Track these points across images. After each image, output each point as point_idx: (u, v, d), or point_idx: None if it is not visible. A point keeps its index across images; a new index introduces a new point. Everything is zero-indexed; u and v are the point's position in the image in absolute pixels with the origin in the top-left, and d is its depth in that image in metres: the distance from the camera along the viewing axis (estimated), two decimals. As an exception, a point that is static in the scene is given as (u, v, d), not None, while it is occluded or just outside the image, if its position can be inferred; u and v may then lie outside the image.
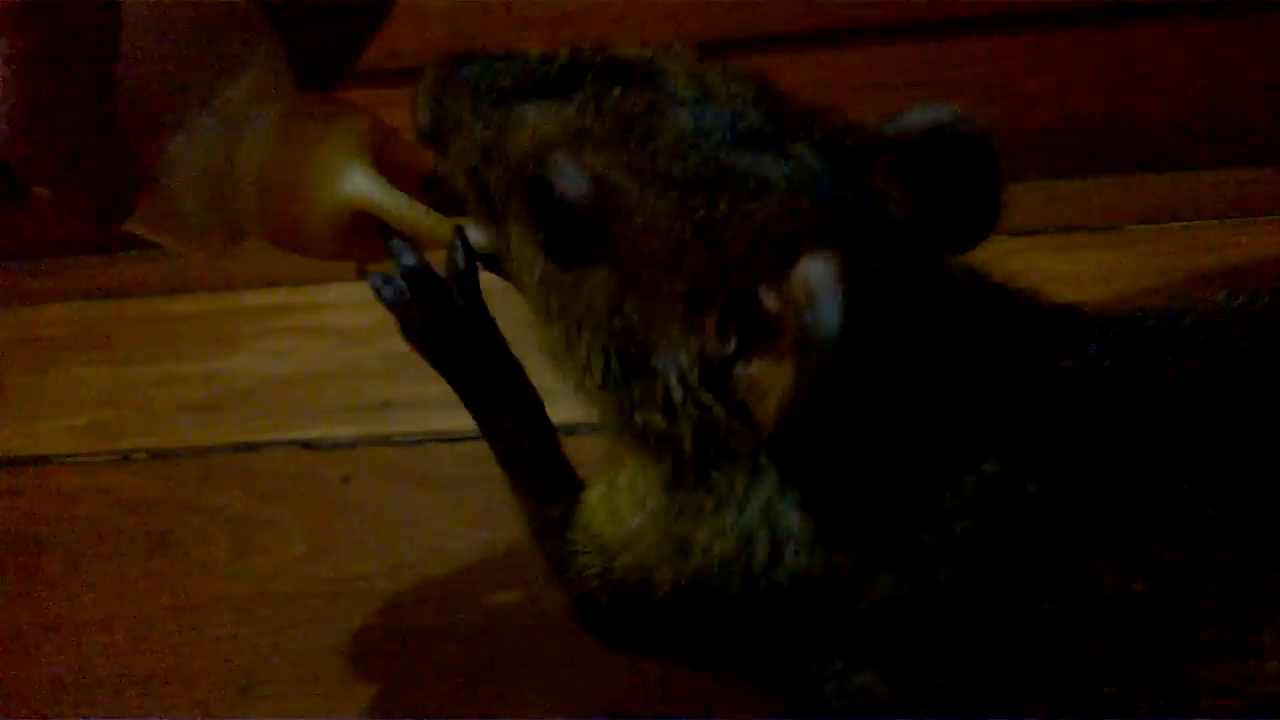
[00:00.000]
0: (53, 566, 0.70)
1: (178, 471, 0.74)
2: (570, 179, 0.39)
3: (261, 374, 0.82)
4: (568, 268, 0.40)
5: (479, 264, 0.44)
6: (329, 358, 0.83)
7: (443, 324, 0.45)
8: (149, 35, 0.42)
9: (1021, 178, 0.91)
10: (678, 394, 0.39)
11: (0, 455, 0.77)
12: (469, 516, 0.68)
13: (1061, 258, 0.83)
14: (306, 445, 0.75)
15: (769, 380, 0.36)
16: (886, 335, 0.34)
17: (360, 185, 0.44)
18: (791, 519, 0.39)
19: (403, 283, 0.44)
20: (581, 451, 0.48)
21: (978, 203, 0.41)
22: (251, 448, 0.75)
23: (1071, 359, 0.40)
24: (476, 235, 0.44)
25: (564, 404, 0.44)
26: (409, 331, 0.44)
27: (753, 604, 0.40)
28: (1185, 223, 0.85)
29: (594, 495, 0.45)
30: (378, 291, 0.44)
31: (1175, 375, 0.39)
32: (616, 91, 0.40)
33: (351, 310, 0.86)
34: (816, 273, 0.33)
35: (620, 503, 0.44)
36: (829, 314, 0.33)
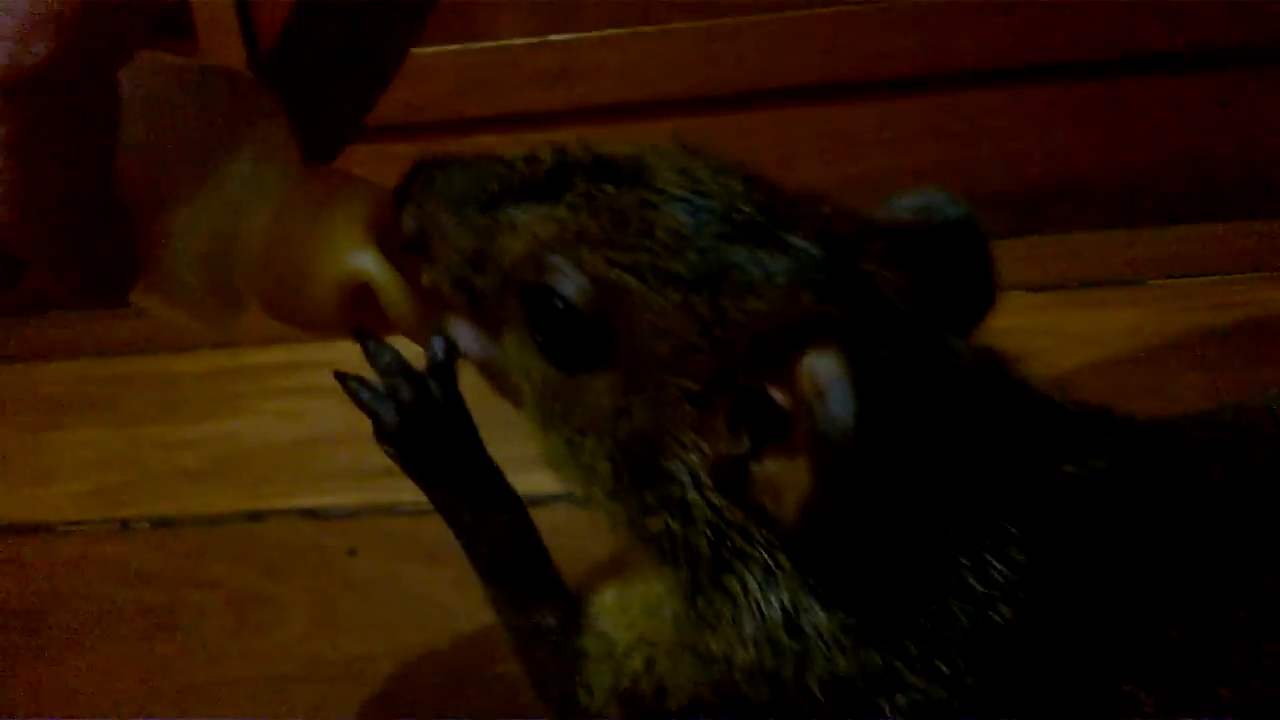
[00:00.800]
0: (52, 642, 0.68)
1: (179, 542, 0.73)
2: (570, 281, 0.38)
3: (264, 437, 0.80)
4: (569, 373, 0.39)
5: (457, 360, 0.43)
6: (331, 419, 0.81)
7: (419, 424, 0.43)
8: (148, 110, 0.41)
9: (1040, 231, 0.90)
10: (691, 497, 0.38)
11: (3, 522, 0.76)
12: (476, 593, 0.66)
13: (1084, 314, 0.82)
14: (311, 514, 0.73)
15: (785, 478, 0.35)
16: (899, 423, 0.34)
17: (365, 264, 0.43)
18: (818, 620, 0.37)
19: (379, 384, 0.42)
20: (553, 521, 0.46)
21: (972, 285, 0.41)
22: (255, 517, 0.74)
23: (1077, 464, 0.39)
24: (465, 338, 0.43)
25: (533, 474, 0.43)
26: (381, 434, 0.43)
27: (781, 714, 0.39)
28: (1209, 277, 0.83)
29: (604, 598, 0.44)
30: (354, 394, 0.43)
31: (1221, 489, 0.38)
32: (609, 189, 0.39)
33: (353, 369, 0.84)
34: (823, 366, 0.33)
35: (633, 607, 0.42)
36: (840, 407, 0.33)
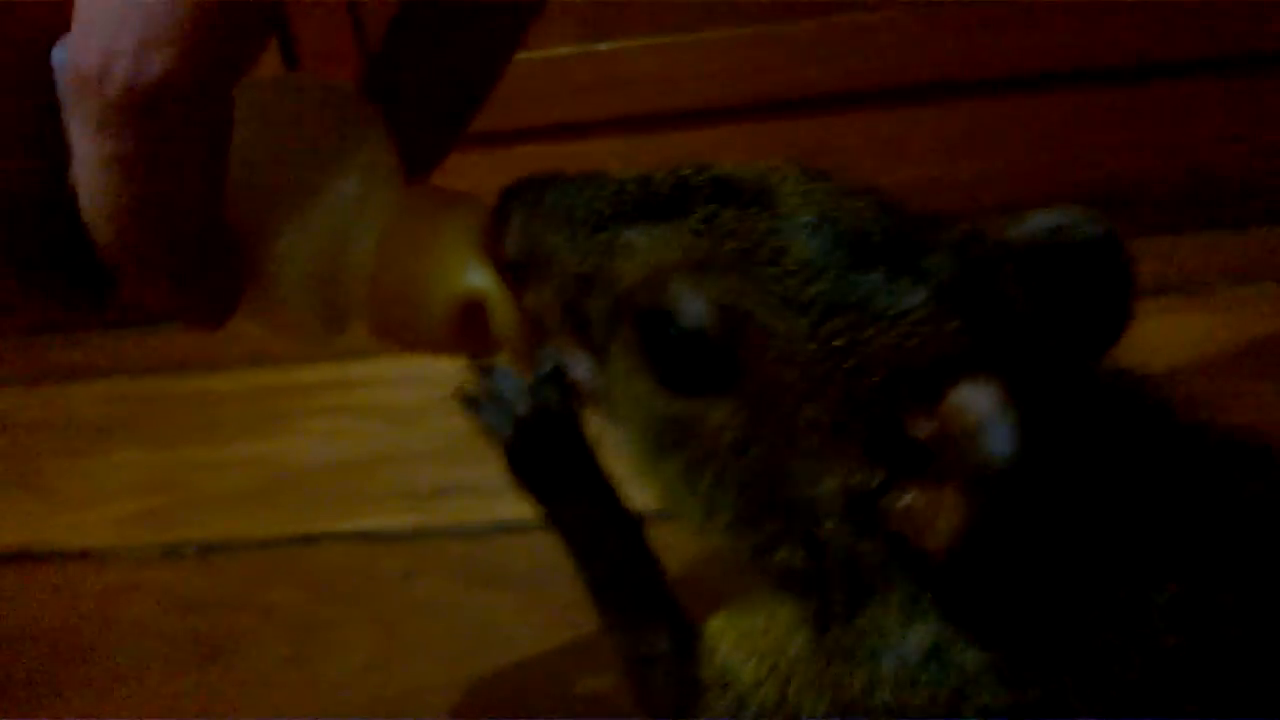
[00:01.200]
0: (99, 674, 0.66)
1: (229, 567, 0.71)
2: (694, 308, 0.37)
3: (312, 457, 0.78)
4: (687, 401, 0.38)
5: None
6: (381, 438, 0.80)
7: (534, 438, 0.42)
8: (254, 126, 0.40)
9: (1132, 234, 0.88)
10: (821, 530, 0.37)
11: (44, 548, 0.74)
12: (543, 617, 0.64)
13: (1152, 322, 0.79)
14: (365, 537, 0.72)
15: (928, 510, 0.34)
16: (1053, 453, 0.33)
17: (480, 282, 0.42)
18: (966, 658, 0.36)
19: (504, 411, 0.41)
20: (661, 539, 0.44)
21: (1110, 305, 0.39)
22: (307, 540, 0.72)
23: (1231, 488, 0.37)
24: (571, 363, 0.41)
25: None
26: (517, 464, 0.41)
27: None
28: None
29: (721, 625, 0.42)
30: (471, 410, 0.42)
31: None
32: (731, 213, 0.38)
33: (400, 387, 0.83)
34: (979, 400, 0.32)
35: (755, 637, 0.41)
36: (1000, 442, 0.32)
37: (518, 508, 0.43)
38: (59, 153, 0.37)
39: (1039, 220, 0.39)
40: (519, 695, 0.61)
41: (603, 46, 0.89)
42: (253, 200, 0.40)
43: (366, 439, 0.79)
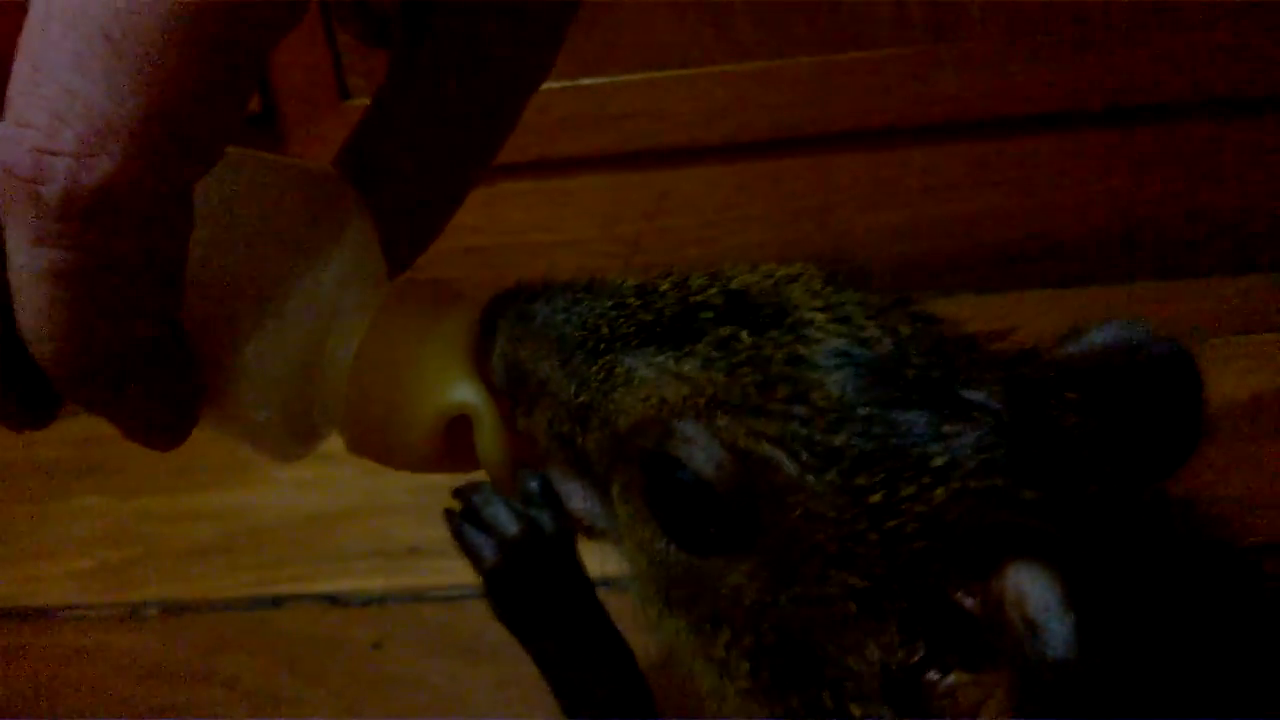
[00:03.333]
0: (53, 745, 0.63)
1: (193, 631, 0.68)
2: (705, 455, 0.33)
3: (281, 510, 0.75)
4: (702, 555, 0.34)
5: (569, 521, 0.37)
6: (352, 489, 0.76)
7: (521, 563, 0.38)
8: (220, 218, 0.35)
9: (1094, 281, 0.86)
10: (852, 707, 0.32)
11: (5, 604, 0.71)
12: (520, 692, 0.61)
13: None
14: (333, 600, 0.69)
15: (973, 695, 0.30)
16: (1121, 634, 0.29)
17: (468, 397, 0.37)
18: None
19: (494, 547, 0.37)
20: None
21: (1178, 427, 0.36)
22: (273, 602, 0.69)
23: None
24: (568, 493, 0.37)
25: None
26: (500, 603, 0.38)
27: None
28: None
29: None
30: (474, 555, 0.38)
31: None
32: (745, 338, 0.33)
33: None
34: (1034, 589, 0.28)
35: None
36: (1057, 639, 0.28)
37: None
38: None
39: (1099, 337, 0.35)
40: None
41: (590, 81, 0.86)
42: (215, 301, 0.36)
43: (339, 490, 0.76)
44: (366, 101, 0.39)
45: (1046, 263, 0.90)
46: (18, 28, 0.30)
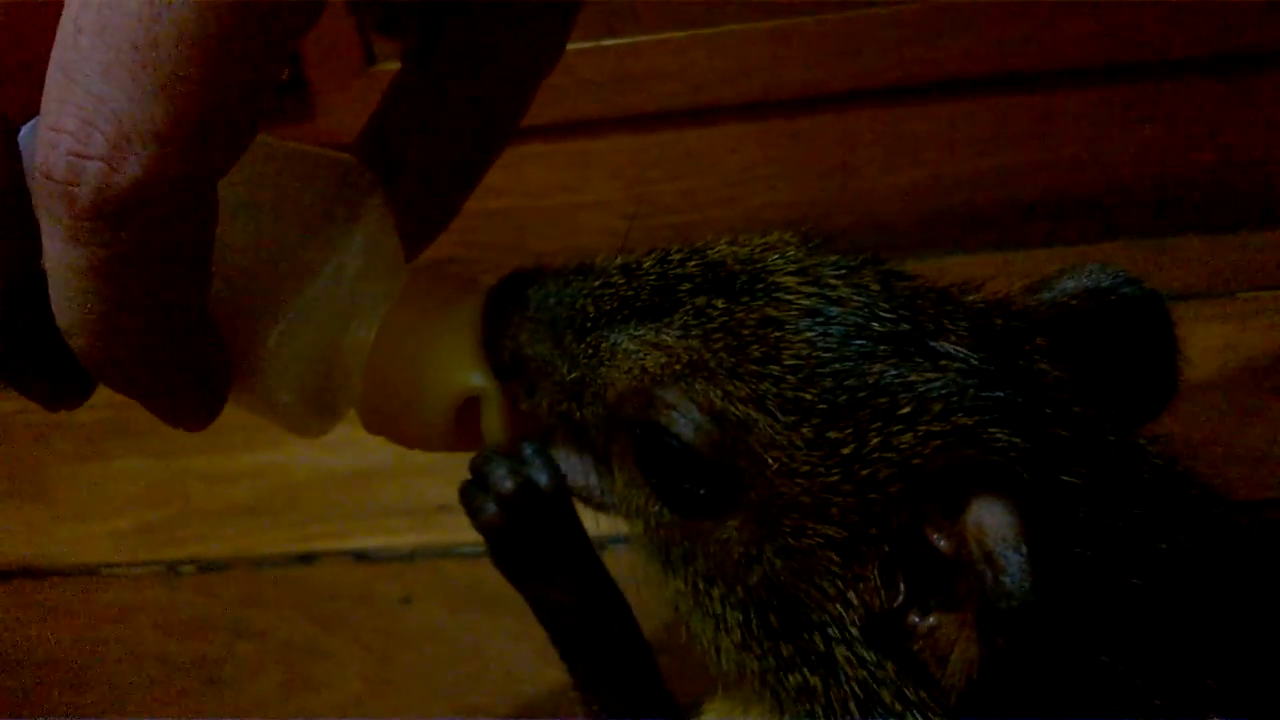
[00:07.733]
0: (95, 699, 0.65)
1: (228, 587, 0.70)
2: (686, 420, 0.34)
3: (313, 470, 0.77)
4: (691, 517, 0.35)
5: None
6: (382, 450, 0.76)
7: (519, 517, 0.39)
8: (244, 208, 0.37)
9: (1115, 237, 0.86)
10: (838, 652, 0.34)
11: (47, 564, 0.73)
12: (541, 644, 0.63)
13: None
14: (363, 556, 0.70)
15: (950, 634, 0.31)
16: (1086, 571, 0.30)
17: (479, 382, 0.40)
18: None
19: (494, 504, 0.39)
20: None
21: (1153, 372, 0.37)
22: (305, 559, 0.71)
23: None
24: (570, 468, 0.39)
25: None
26: (501, 558, 0.39)
27: None
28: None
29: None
30: (475, 513, 0.39)
31: None
32: (720, 304, 0.35)
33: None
34: (994, 524, 0.29)
35: None
36: (1013, 578, 0.29)
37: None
38: (30, 243, 0.33)
39: (1069, 284, 0.36)
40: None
41: (613, 42, 0.86)
42: (240, 290, 0.37)
43: (369, 451, 0.76)
44: (392, 67, 0.40)
45: (1070, 219, 0.90)
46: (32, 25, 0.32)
